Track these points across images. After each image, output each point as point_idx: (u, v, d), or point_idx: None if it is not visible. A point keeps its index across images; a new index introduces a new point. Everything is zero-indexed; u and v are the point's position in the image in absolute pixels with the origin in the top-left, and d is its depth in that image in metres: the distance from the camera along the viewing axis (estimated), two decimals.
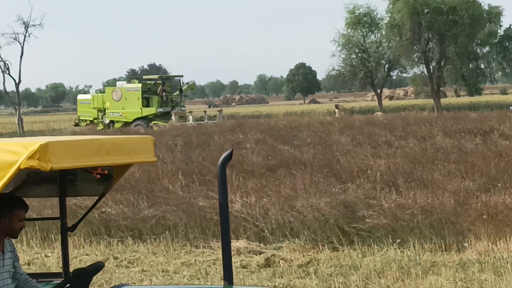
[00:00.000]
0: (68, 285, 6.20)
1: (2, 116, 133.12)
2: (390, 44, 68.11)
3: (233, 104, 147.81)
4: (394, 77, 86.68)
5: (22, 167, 5.15)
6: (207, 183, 16.98)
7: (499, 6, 65.59)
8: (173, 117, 49.35)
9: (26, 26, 67.66)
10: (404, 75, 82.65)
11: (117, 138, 6.12)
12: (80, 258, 13.56)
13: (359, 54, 72.05)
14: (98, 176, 6.43)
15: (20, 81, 68.25)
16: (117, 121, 51.73)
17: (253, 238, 14.05)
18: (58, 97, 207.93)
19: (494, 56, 70.22)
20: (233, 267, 12.48)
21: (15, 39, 67.69)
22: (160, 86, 52.92)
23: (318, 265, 12.38)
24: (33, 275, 6.40)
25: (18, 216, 6.04)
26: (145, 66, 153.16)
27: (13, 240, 6.23)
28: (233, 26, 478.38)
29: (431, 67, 65.06)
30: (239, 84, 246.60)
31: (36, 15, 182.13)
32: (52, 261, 13.36)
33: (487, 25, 64.97)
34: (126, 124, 50.87)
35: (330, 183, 16.13)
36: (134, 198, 15.63)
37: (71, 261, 13.36)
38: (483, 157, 18.31)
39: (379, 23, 71.35)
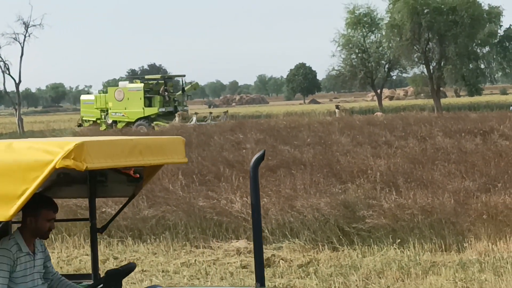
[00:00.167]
0: (101, 285, 6.16)
1: (2, 116, 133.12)
2: (390, 44, 68.09)
3: (233, 104, 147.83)
4: (394, 77, 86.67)
5: (57, 166, 5.12)
6: (207, 183, 16.99)
7: (499, 6, 65.64)
8: (176, 118, 49.37)
9: (26, 26, 67.68)
10: (404, 75, 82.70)
11: (150, 138, 6.11)
12: (80, 258, 13.56)
13: (359, 54, 72.05)
14: (137, 175, 6.40)
15: (20, 81, 68.25)
16: (119, 121, 51.76)
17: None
18: (58, 97, 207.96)
19: (494, 56, 70.23)
20: (233, 267, 12.53)
21: (15, 39, 67.71)
22: (162, 86, 52.92)
23: (318, 265, 12.38)
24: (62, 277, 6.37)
25: (44, 216, 5.97)
26: (145, 66, 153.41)
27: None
28: (233, 26, 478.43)
29: (431, 67, 65.05)
30: (239, 84, 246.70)
31: (36, 15, 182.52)
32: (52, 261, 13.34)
33: (487, 25, 64.95)
34: (129, 124, 50.89)
35: (330, 183, 16.13)
36: (135, 199, 15.61)
37: (71, 261, 13.39)
38: (483, 157, 18.31)
39: (379, 23, 71.38)
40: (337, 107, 55.16)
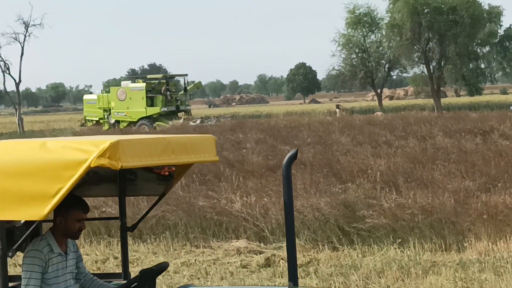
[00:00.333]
0: (135, 284, 6.12)
1: (2, 116, 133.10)
2: (390, 44, 68.04)
3: (233, 104, 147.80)
4: (394, 77, 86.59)
5: (92, 165, 5.10)
6: (207, 183, 16.99)
7: (499, 6, 65.59)
8: (180, 120, 49.40)
9: (26, 26, 67.63)
10: (404, 75, 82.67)
11: (182, 137, 6.11)
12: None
13: (359, 54, 72.00)
14: (167, 173, 6.38)
15: (20, 81, 68.21)
16: (122, 121, 51.75)
17: (253, 238, 14.05)
18: (58, 97, 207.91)
19: (494, 56, 70.24)
20: (233, 267, 12.53)
21: (15, 39, 67.67)
22: (164, 86, 52.90)
23: (318, 265, 12.37)
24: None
25: (74, 216, 5.90)
26: (145, 66, 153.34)
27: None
28: (233, 26, 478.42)
29: (431, 67, 65.01)
30: (239, 84, 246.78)
31: (36, 15, 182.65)
32: None
33: (487, 25, 64.91)
34: (131, 123, 50.88)
35: (330, 183, 16.13)
36: (134, 198, 15.61)
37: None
38: (483, 157, 18.30)
39: (379, 23, 71.32)
40: (337, 106, 55.19)
